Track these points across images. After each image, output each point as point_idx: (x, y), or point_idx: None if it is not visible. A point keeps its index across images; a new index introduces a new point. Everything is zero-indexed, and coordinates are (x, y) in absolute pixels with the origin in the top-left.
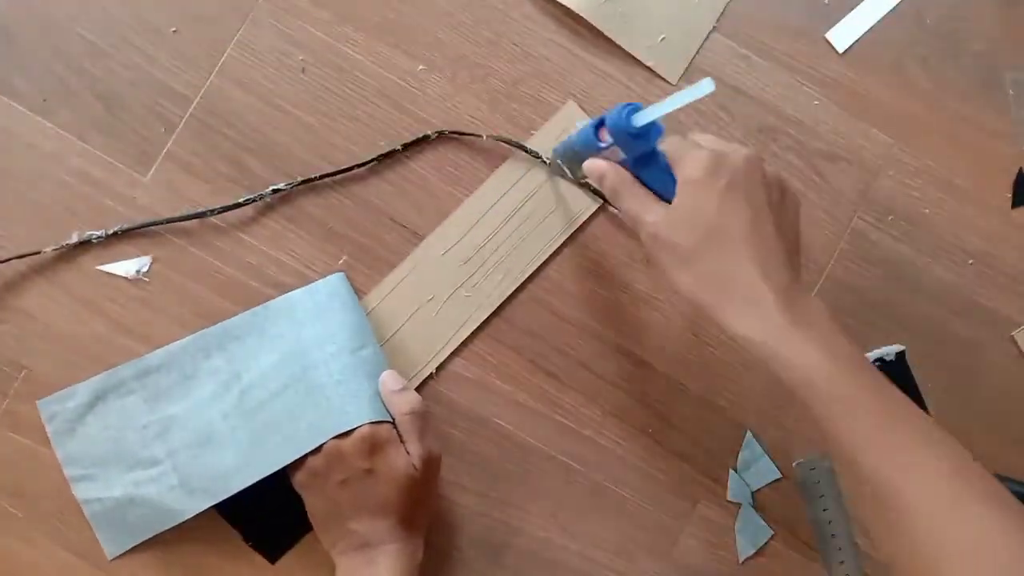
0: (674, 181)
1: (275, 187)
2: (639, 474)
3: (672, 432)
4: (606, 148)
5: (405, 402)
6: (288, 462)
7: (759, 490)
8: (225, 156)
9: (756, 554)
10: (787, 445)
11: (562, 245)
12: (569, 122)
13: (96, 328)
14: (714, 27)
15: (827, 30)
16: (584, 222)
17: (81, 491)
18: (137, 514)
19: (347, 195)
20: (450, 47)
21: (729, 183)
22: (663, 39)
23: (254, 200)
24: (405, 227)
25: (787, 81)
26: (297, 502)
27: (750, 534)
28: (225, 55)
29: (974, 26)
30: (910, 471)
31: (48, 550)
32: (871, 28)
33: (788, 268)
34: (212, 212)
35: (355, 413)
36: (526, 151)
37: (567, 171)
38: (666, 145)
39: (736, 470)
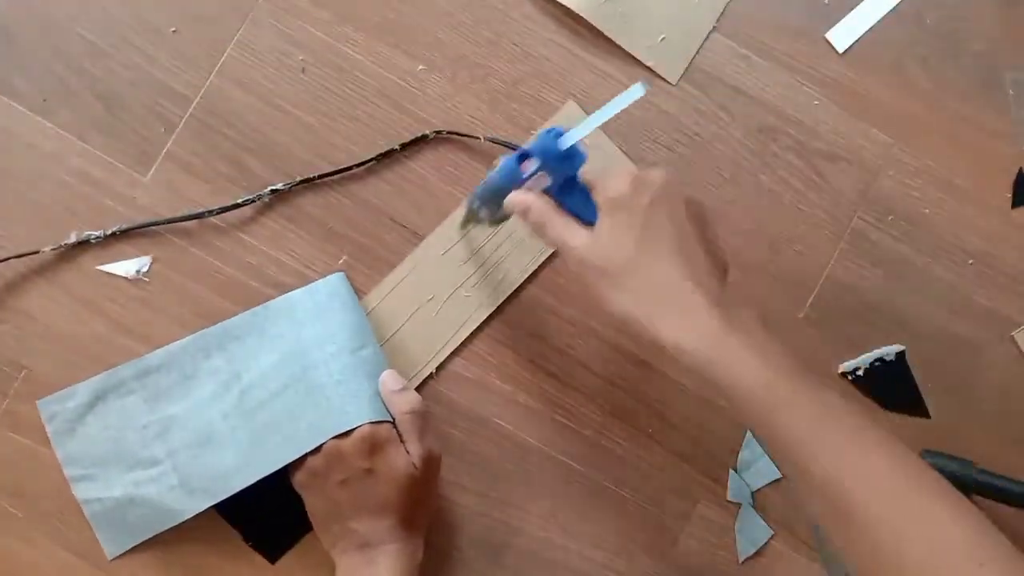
0: (595, 206)
1: (273, 187)
2: (639, 474)
3: (672, 432)
4: (527, 178)
5: (405, 402)
6: (288, 462)
7: (759, 490)
8: (225, 156)
9: (756, 554)
10: None
11: None
12: (569, 122)
13: (96, 328)
14: (714, 27)
15: (827, 30)
16: None
17: (81, 491)
18: (137, 514)
19: (347, 195)
20: (450, 47)
21: (652, 200)
22: (663, 39)
23: (252, 201)
24: (405, 227)
25: (787, 81)
26: (297, 502)
27: (750, 534)
28: (225, 55)
29: (974, 26)
30: (855, 472)
31: (48, 550)
32: (871, 28)
33: (717, 279)
34: (211, 212)
35: (355, 413)
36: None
37: (485, 214)
38: (586, 175)
39: (736, 470)
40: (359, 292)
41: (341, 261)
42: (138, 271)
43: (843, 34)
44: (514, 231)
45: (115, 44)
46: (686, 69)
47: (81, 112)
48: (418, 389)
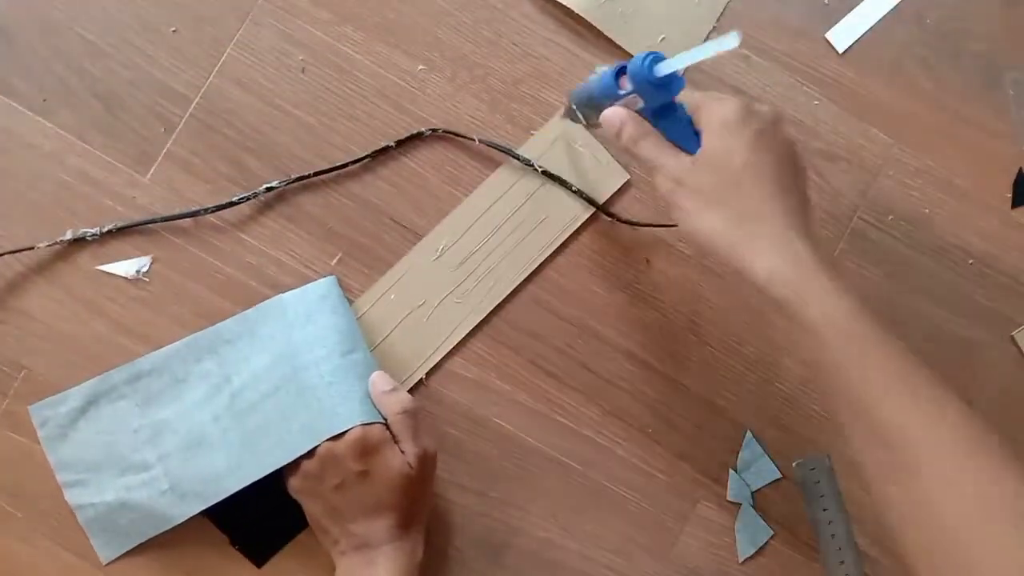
0: (694, 133)
1: (269, 185)
2: (639, 474)
3: (672, 432)
4: (625, 96)
5: (396, 402)
6: (280, 465)
7: (759, 490)
8: (225, 156)
9: (756, 554)
10: (787, 445)
11: (561, 246)
12: (563, 128)
13: (96, 328)
14: (714, 27)
15: (827, 30)
16: (581, 225)
17: (74, 496)
18: (129, 519)
19: (347, 195)
20: (450, 47)
21: (760, 130)
22: (663, 39)
23: (249, 198)
24: (405, 227)
25: (787, 81)
26: (285, 507)
27: (750, 534)
28: (225, 55)
29: (974, 26)
30: (922, 421)
31: (48, 550)
32: (871, 28)
33: (810, 219)
34: (207, 211)
35: (346, 415)
36: (517, 158)
37: (582, 117)
38: (686, 97)
39: (736, 470)
40: (357, 292)
41: (336, 260)
42: (138, 271)
43: (843, 34)
44: (506, 239)
45: (115, 44)
46: (686, 69)
47: (81, 112)
48: (410, 393)
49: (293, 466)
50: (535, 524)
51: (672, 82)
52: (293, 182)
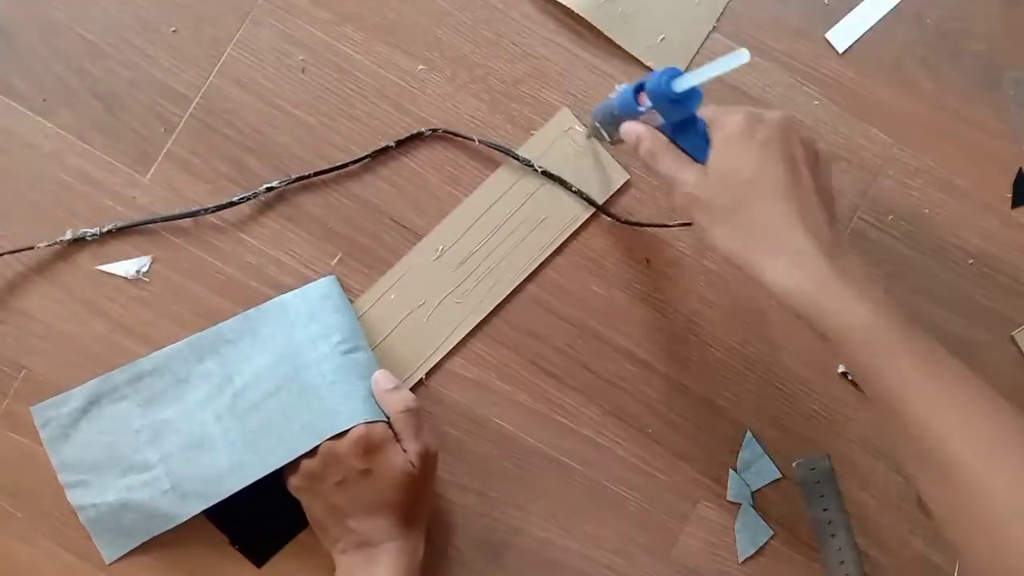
0: (709, 147)
1: (269, 184)
2: (639, 474)
3: (672, 432)
4: (645, 112)
5: (399, 400)
6: (282, 464)
7: (759, 490)
8: (225, 156)
9: (756, 554)
10: (787, 445)
11: (561, 246)
12: (562, 129)
13: (96, 328)
14: (714, 27)
15: (827, 30)
16: (581, 225)
17: (76, 497)
18: (131, 519)
19: (347, 195)
20: (450, 47)
21: (766, 138)
22: (663, 39)
23: (249, 198)
24: (405, 227)
25: (787, 81)
26: (284, 506)
27: (750, 534)
28: (225, 55)
29: (974, 26)
30: (953, 422)
31: (48, 550)
32: (871, 28)
33: (827, 223)
34: (207, 210)
35: (348, 413)
36: (516, 159)
37: (604, 134)
38: (704, 112)
39: (736, 470)
40: (357, 292)
41: (336, 260)
42: (138, 271)
43: (843, 34)
44: (506, 239)
45: (115, 44)
46: (686, 69)
47: (81, 112)
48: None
49: (293, 465)
50: (535, 524)
51: (690, 97)
52: (293, 182)
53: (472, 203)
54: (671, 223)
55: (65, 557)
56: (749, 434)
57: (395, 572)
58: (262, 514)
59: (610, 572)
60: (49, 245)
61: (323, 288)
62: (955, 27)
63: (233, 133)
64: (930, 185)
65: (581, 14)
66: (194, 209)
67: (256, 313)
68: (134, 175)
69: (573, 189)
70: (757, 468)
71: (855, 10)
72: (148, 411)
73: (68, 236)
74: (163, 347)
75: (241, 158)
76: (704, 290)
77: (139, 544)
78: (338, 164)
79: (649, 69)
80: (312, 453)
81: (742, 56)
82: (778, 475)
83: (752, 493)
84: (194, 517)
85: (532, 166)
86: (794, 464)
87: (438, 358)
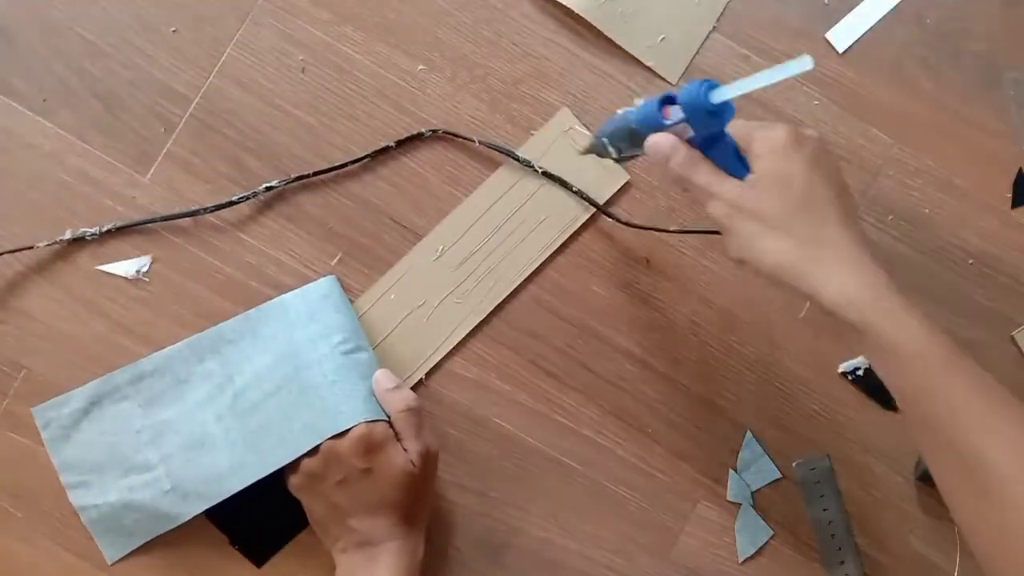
0: (742, 160)
1: (268, 184)
2: (639, 474)
3: (672, 432)
4: (671, 126)
5: (400, 399)
6: (283, 463)
7: (759, 490)
8: (225, 156)
9: (756, 554)
10: (787, 445)
11: (562, 246)
12: (562, 130)
13: (96, 328)
14: (714, 27)
15: (827, 30)
16: (581, 226)
17: (77, 498)
18: (133, 519)
19: (347, 195)
20: (450, 47)
21: (813, 152)
22: (663, 39)
23: (248, 198)
24: (405, 227)
25: (787, 81)
26: (284, 506)
27: (750, 534)
28: (225, 55)
29: (974, 26)
30: (1001, 447)
31: (48, 550)
32: (871, 28)
33: (867, 239)
34: (206, 210)
35: (349, 413)
36: (517, 159)
37: (612, 150)
38: (732, 127)
39: (736, 470)
40: (356, 292)
41: (336, 260)
42: (138, 271)
43: (843, 34)
44: (506, 239)
45: (115, 44)
46: (686, 69)
47: (81, 112)
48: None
49: (294, 464)
50: (535, 524)
51: (725, 110)
52: (293, 182)
53: (472, 203)
54: (671, 228)
55: (65, 557)
56: (749, 434)
57: (395, 571)
58: (262, 514)
59: (610, 572)
60: (49, 245)
61: (323, 288)
62: (955, 27)
63: (233, 133)
64: (930, 185)
65: (581, 14)
66: (194, 209)
67: (256, 313)
68: (134, 175)
69: (573, 189)
70: (757, 468)
71: (855, 10)
72: (149, 411)
73: (68, 236)
74: (163, 347)
75: (241, 158)
76: (704, 290)
77: (140, 544)
78: (338, 164)
79: (649, 69)
80: (313, 452)
81: (805, 63)
82: (778, 475)
83: (752, 493)
84: (194, 517)
85: (532, 166)
86: (794, 464)
87: (438, 358)
